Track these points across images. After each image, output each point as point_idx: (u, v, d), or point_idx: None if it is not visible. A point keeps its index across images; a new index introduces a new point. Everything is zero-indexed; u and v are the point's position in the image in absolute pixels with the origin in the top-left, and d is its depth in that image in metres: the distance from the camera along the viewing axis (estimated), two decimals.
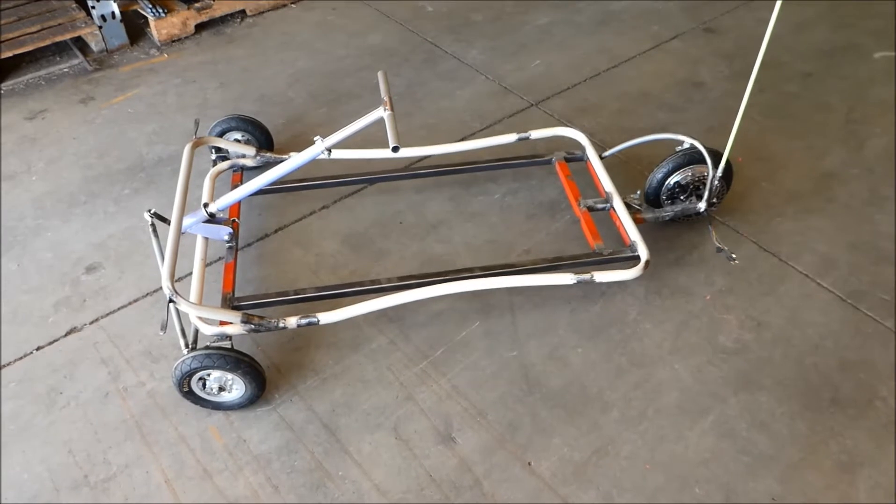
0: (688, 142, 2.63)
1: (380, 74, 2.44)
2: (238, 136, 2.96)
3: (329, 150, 2.34)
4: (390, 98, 2.30)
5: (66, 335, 2.46)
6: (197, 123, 2.80)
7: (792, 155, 3.20)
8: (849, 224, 2.87)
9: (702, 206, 2.67)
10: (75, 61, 3.71)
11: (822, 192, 3.02)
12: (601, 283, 2.57)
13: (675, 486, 2.08)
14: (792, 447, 2.17)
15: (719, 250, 2.69)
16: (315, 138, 2.31)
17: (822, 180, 3.07)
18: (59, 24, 3.63)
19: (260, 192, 2.55)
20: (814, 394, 2.30)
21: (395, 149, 2.12)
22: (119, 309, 2.54)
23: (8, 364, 2.37)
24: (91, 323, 2.49)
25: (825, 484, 2.09)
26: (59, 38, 3.58)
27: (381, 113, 2.27)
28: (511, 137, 2.96)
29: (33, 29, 3.55)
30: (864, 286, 2.62)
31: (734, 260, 2.70)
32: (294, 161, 2.38)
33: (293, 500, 2.04)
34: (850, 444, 2.18)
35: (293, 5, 4.25)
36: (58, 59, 3.73)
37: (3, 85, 3.56)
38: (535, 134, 2.98)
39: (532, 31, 4.02)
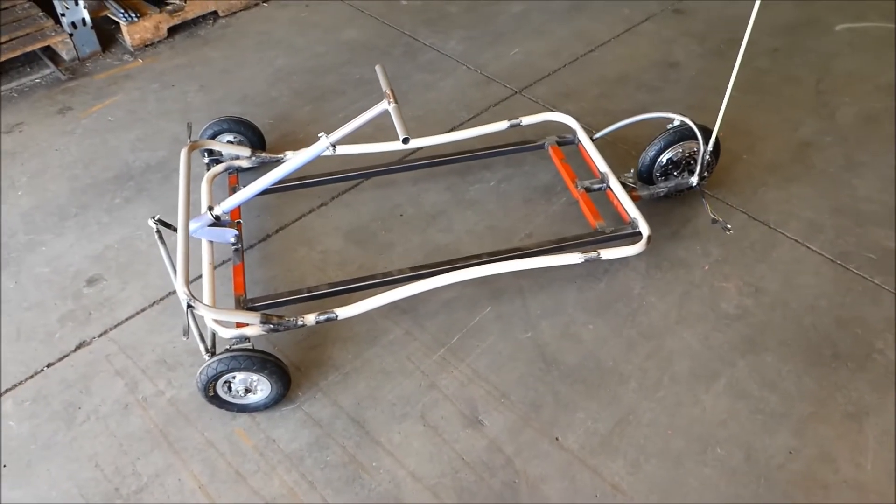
0: (678, 119, 2.72)
1: (378, 67, 2.45)
2: (230, 137, 2.93)
3: (334, 146, 2.34)
4: (392, 90, 2.31)
5: (75, 350, 2.41)
6: (190, 127, 2.77)
7: (768, 127, 3.33)
8: (829, 189, 3.00)
9: (694, 180, 2.76)
10: (47, 71, 3.61)
11: (801, 161, 3.15)
12: (605, 261, 2.64)
13: (697, 449, 2.17)
14: (802, 402, 2.28)
15: (714, 221, 2.79)
16: (319, 134, 2.31)
17: (800, 150, 3.21)
18: (27, 34, 3.52)
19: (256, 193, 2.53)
20: (815, 351, 2.42)
21: (406, 140, 2.13)
22: (127, 320, 2.50)
23: (19, 383, 2.31)
24: (100, 336, 2.45)
25: (836, 434, 2.20)
26: (29, 48, 3.47)
27: (386, 105, 2.28)
28: (503, 125, 3.00)
29: (1, 40, 3.44)
30: (851, 247, 2.76)
31: (729, 230, 2.81)
32: (300, 158, 2.38)
33: (330, 495, 2.05)
34: (855, 395, 2.29)
35: (265, 4, 4.20)
36: (28, 69, 3.62)
37: None
38: (527, 120, 3.03)
39: (507, 20, 4.07)
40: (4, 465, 2.10)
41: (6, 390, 2.30)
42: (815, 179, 3.05)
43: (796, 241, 2.79)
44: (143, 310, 2.54)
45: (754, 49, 3.79)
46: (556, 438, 2.19)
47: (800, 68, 3.68)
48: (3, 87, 3.51)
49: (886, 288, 2.60)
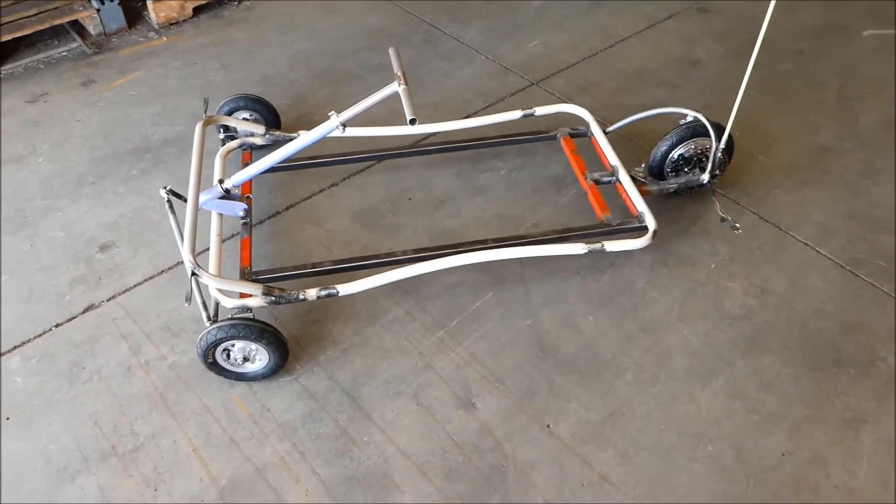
0: (691, 115, 2.70)
1: (391, 50, 2.46)
2: (246, 115, 2.97)
3: (344, 126, 2.36)
4: (404, 73, 2.32)
5: (84, 312, 2.47)
6: (206, 102, 2.82)
7: (787, 129, 3.29)
8: (845, 195, 2.96)
9: (705, 177, 2.74)
10: (73, 45, 3.70)
11: (818, 165, 3.10)
12: (610, 253, 2.64)
13: (688, 445, 2.16)
14: (799, 406, 2.25)
15: (723, 220, 2.76)
16: (330, 113, 2.33)
17: (818, 154, 3.16)
18: (57, 8, 3.60)
19: (269, 170, 2.57)
20: (817, 355, 2.39)
21: (413, 121, 2.15)
22: (136, 286, 2.56)
23: (28, 341, 2.38)
24: (108, 300, 2.51)
25: (831, 439, 2.17)
26: (57, 22, 3.56)
27: (396, 87, 2.29)
28: (516, 114, 3.01)
29: (31, 12, 3.52)
30: (862, 254, 2.72)
31: (738, 229, 2.78)
32: (309, 136, 2.40)
33: (320, 466, 2.08)
34: (854, 402, 2.27)
35: None
36: (56, 42, 3.71)
37: (2, 69, 3.54)
38: (540, 110, 3.03)
39: (528, 12, 4.07)
40: (7, 418, 2.17)
41: (14, 347, 2.36)
42: (832, 184, 3.01)
43: (806, 244, 2.76)
44: (151, 277, 2.59)
45: (778, 51, 3.75)
46: (548, 426, 2.20)
47: (823, 72, 3.62)
48: (31, 59, 3.61)
49: (895, 296, 2.56)
